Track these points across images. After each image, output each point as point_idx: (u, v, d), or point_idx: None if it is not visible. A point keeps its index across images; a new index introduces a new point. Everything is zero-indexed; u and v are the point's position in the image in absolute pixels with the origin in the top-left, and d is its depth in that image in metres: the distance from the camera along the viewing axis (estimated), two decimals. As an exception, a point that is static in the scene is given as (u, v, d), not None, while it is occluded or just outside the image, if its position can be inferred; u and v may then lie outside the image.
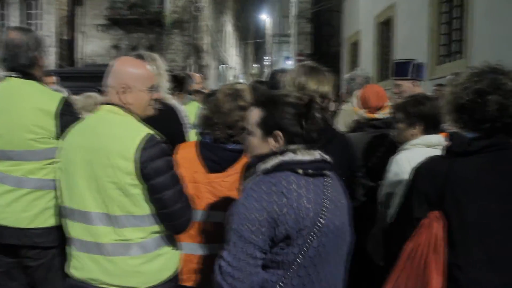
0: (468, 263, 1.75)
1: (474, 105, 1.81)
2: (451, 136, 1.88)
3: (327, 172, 1.86)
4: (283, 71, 3.39)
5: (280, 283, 1.76)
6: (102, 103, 2.32)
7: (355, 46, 14.58)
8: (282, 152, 1.80)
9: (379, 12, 11.71)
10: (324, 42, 17.49)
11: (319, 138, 1.84)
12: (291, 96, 1.88)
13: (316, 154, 1.84)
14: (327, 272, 1.81)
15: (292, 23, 21.41)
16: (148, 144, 2.13)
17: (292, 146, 1.81)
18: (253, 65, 54.20)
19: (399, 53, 9.66)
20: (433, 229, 1.75)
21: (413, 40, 9.27)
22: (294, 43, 20.28)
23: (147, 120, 2.89)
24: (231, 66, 38.25)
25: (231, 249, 1.75)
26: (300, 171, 1.78)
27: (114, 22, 21.40)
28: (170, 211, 2.16)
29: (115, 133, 2.18)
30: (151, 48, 20.80)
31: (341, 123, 4.19)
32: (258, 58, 52.65)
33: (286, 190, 1.74)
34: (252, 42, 49.15)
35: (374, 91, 3.38)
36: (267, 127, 1.84)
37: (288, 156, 1.79)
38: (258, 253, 1.74)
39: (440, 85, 4.78)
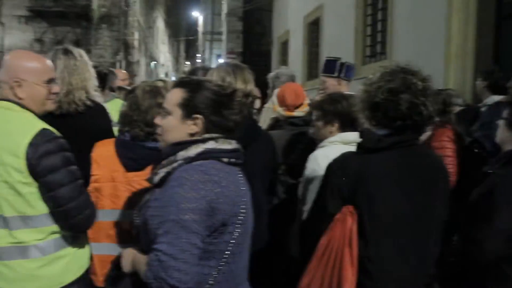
0: (380, 256, 1.81)
1: (387, 103, 1.87)
2: (362, 133, 1.93)
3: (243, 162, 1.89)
4: (204, 68, 3.37)
5: (214, 274, 1.75)
6: None
7: (285, 45, 14.79)
8: (203, 140, 1.79)
9: (308, 12, 11.93)
10: (255, 40, 17.60)
11: (236, 129, 1.85)
12: (215, 84, 1.89)
13: (234, 144, 1.85)
14: (246, 257, 1.88)
15: (223, 21, 21.38)
16: (39, 139, 2.03)
17: (211, 135, 1.80)
18: (185, 62, 53.69)
19: (327, 53, 9.87)
20: (347, 224, 1.80)
21: (340, 41, 9.52)
22: (225, 41, 20.26)
23: (74, 118, 2.78)
24: (162, 63, 37.69)
25: (173, 241, 1.66)
26: (226, 159, 1.80)
27: (37, 14, 20.43)
28: (64, 209, 2.06)
29: (6, 130, 2.07)
30: (77, 43, 20.02)
31: (263, 121, 4.24)
32: (190, 56, 52.19)
33: (218, 178, 1.74)
34: (184, 39, 48.65)
35: (291, 90, 3.42)
36: (188, 109, 1.81)
37: (211, 145, 1.79)
38: (200, 243, 1.69)
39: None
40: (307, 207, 2.54)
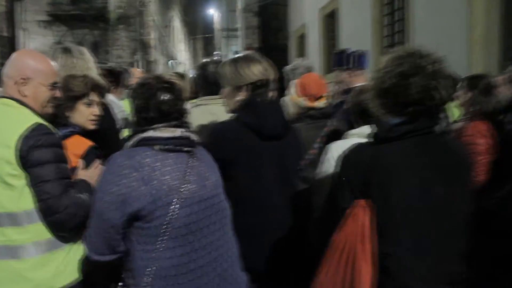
0: (397, 251, 1.70)
1: (397, 88, 1.76)
2: (376, 123, 1.82)
3: (190, 149, 1.99)
4: (216, 62, 3.29)
5: (152, 259, 1.85)
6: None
7: (302, 39, 14.66)
8: (143, 131, 1.94)
9: (324, 4, 11.78)
10: (271, 35, 17.47)
11: (172, 117, 1.98)
12: (141, 82, 2.06)
13: (177, 132, 1.97)
14: (202, 238, 1.95)
15: (239, 17, 21.30)
16: (33, 132, 2.01)
17: (154, 126, 1.95)
18: (203, 60, 53.55)
19: (344, 45, 9.74)
20: (359, 219, 1.69)
21: (358, 32, 9.36)
22: (242, 37, 20.17)
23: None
24: (180, 61, 37.83)
25: (91, 221, 1.91)
26: (157, 146, 1.92)
27: (56, 18, 20.77)
28: (44, 205, 2.00)
29: (4, 124, 2.05)
30: (96, 44, 20.28)
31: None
32: (208, 53, 52.20)
33: (139, 164, 1.86)
34: (201, 37, 48.73)
35: (313, 80, 3.25)
36: (133, 109, 2.04)
37: (148, 133, 1.93)
38: (105, 223, 1.85)
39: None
40: (319, 199, 2.47)
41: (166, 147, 1.92)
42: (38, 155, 1.98)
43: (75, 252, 2.16)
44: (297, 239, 2.48)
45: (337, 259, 1.71)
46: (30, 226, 2.02)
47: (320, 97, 3.15)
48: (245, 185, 2.42)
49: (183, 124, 2.02)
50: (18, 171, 1.98)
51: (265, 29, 17.72)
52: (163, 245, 1.85)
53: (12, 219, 2.01)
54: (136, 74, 6.21)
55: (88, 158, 2.30)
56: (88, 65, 2.97)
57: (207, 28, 45.69)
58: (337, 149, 2.49)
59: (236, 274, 2.08)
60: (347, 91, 4.03)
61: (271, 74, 2.56)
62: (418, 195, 1.72)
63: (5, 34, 19.44)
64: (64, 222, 2.04)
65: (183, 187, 1.89)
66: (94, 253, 1.92)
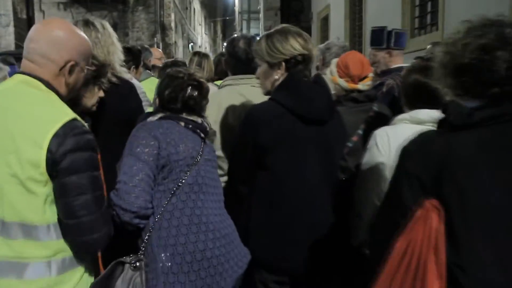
0: (473, 264, 1.38)
1: (479, 64, 1.44)
2: (447, 106, 1.50)
3: (204, 137, 2.32)
4: (246, 37, 3.00)
5: (165, 212, 2.08)
6: (17, 73, 1.78)
7: (325, 21, 14.26)
8: (165, 111, 2.29)
9: (349, -16, 11.37)
10: (293, 17, 17.06)
11: (195, 112, 2.31)
12: (174, 74, 2.33)
13: (199, 120, 2.31)
14: (209, 200, 2.22)
15: (260, -2, 20.92)
16: (70, 131, 1.64)
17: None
18: (224, 43, 53.44)
19: (371, 27, 9.34)
20: (431, 222, 1.38)
21: (386, 13, 8.96)
22: (262, 19, 19.79)
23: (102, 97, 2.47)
24: (199, 44, 37.62)
25: (127, 171, 2.04)
26: (182, 123, 2.25)
27: (74, 0, 20.60)
28: (78, 222, 1.66)
29: (30, 113, 1.66)
30: (115, 26, 20.09)
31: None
32: (227, 36, 51.92)
33: (169, 129, 2.19)
34: (221, 20, 48.36)
35: (357, 59, 2.91)
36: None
37: (171, 113, 2.28)
38: (150, 172, 2.07)
39: (420, 57, 4.45)
40: (360, 194, 2.21)
41: (190, 126, 2.25)
42: (76, 161, 1.63)
43: (87, 274, 1.83)
44: (340, 238, 2.21)
45: (403, 272, 1.41)
46: (50, 242, 1.68)
47: (364, 78, 2.83)
48: (283, 175, 2.16)
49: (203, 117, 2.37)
50: (45, 177, 1.63)
51: (286, 11, 17.32)
52: (177, 197, 2.11)
53: (26, 231, 1.65)
54: (156, 54, 5.97)
55: None
56: (112, 39, 2.69)
57: (227, 10, 45.31)
58: (384, 136, 2.20)
59: (239, 241, 2.28)
60: (385, 72, 3.74)
61: (313, 48, 2.25)
62: (503, 196, 1.40)
63: (23, 16, 19.41)
64: (96, 244, 1.74)
65: (199, 154, 2.24)
66: (134, 206, 1.99)
